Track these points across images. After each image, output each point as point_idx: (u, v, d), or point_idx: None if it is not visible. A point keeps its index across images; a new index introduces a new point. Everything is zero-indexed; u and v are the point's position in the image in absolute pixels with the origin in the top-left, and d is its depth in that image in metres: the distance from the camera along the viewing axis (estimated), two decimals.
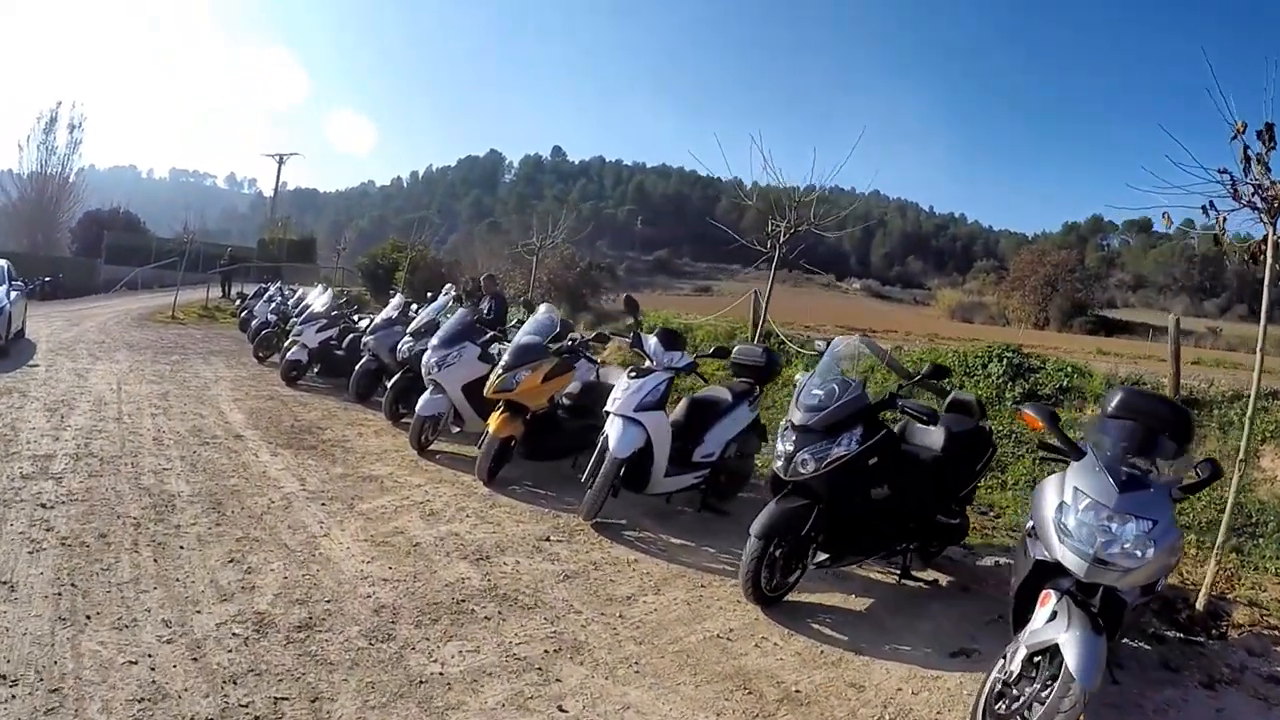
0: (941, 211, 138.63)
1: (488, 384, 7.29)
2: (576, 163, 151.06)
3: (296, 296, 16.47)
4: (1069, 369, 9.15)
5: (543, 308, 8.22)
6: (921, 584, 5.31)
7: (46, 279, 32.63)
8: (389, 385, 9.74)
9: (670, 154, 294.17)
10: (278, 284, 19.30)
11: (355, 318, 13.24)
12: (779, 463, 4.74)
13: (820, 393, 4.82)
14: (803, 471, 4.62)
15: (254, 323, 17.25)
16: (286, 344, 13.04)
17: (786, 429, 4.81)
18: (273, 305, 16.48)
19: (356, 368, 11.03)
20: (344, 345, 12.33)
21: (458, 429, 8.62)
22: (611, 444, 5.98)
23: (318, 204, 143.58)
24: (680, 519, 6.52)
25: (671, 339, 6.78)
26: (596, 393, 7.56)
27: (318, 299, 13.75)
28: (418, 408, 8.19)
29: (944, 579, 5.51)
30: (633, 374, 6.37)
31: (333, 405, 10.64)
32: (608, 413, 6.24)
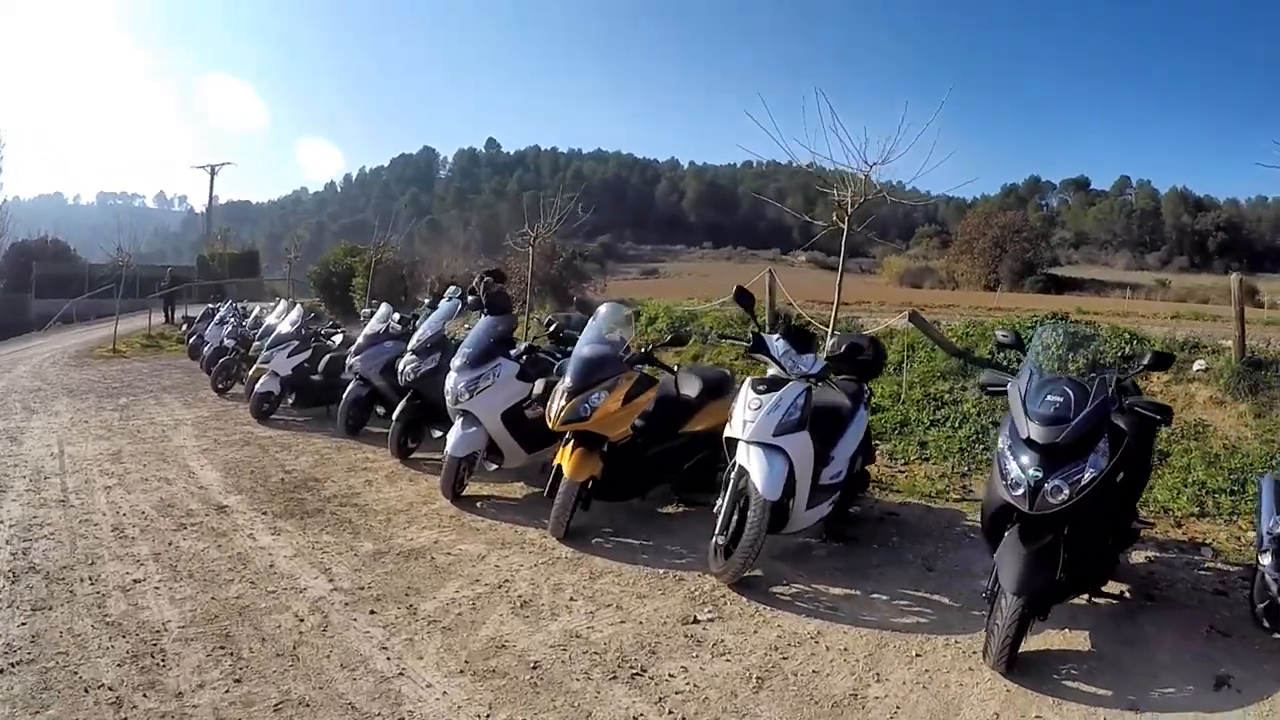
0: (880, 180, 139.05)
1: (553, 413, 5.78)
2: (512, 153, 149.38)
3: (253, 316, 14.56)
4: (1126, 336, 8.42)
5: (605, 306, 6.69)
6: (1110, 599, 4.66)
7: None
8: (394, 417, 8.12)
9: (605, 139, 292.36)
10: (228, 303, 17.34)
11: (329, 335, 11.46)
12: (1017, 492, 3.77)
13: (1057, 399, 3.89)
14: (1053, 501, 3.71)
15: (205, 349, 15.48)
16: (251, 373, 11.29)
17: (1013, 447, 3.89)
18: (227, 329, 14.61)
19: (345, 396, 9.37)
20: (320, 369, 10.59)
21: (495, 466, 7.04)
22: (759, 483, 4.70)
23: (252, 215, 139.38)
24: (813, 557, 5.40)
25: (802, 339, 5.39)
26: (665, 406, 6.22)
27: (284, 317, 11.94)
28: (449, 447, 6.64)
29: (1121, 588, 4.78)
30: (760, 387, 5.07)
31: (321, 444, 8.95)
32: (731, 439, 5.02)
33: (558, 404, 5.77)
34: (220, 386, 12.85)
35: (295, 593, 4.72)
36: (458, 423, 6.78)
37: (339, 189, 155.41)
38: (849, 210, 8.53)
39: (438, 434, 8.15)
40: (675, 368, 6.71)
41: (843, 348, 6.09)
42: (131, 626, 4.18)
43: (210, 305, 19.92)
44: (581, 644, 4.12)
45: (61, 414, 10.92)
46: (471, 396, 6.70)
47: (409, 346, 8.24)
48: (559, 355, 7.58)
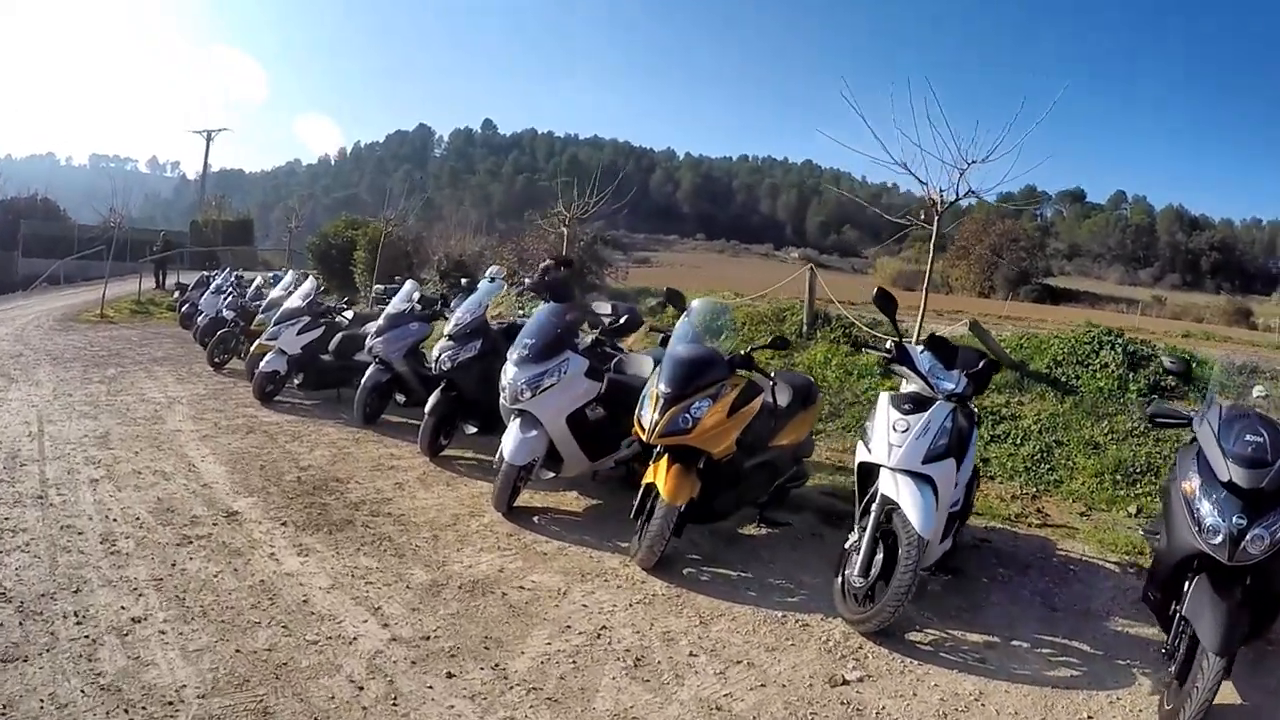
0: (874, 181, 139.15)
1: (646, 423, 4.93)
2: (508, 135, 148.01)
3: (254, 286, 13.44)
4: (1187, 357, 7.93)
5: (698, 302, 5.85)
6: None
7: None
8: (426, 410, 7.13)
9: (602, 126, 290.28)
10: (225, 271, 16.22)
11: (339, 312, 10.41)
12: (1215, 540, 3.41)
13: (1256, 438, 3.54)
14: (1254, 552, 3.38)
15: (200, 319, 14.45)
16: (253, 349, 10.24)
17: (1205, 490, 3.52)
18: (226, 299, 13.51)
19: (363, 382, 8.37)
20: (332, 349, 9.56)
21: (551, 475, 6.11)
22: (914, 519, 4.05)
23: (245, 185, 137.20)
24: (929, 594, 4.70)
25: (945, 352, 4.75)
26: (760, 416, 5.34)
27: (295, 290, 10.88)
28: (508, 454, 5.69)
29: None
30: (905, 406, 4.44)
31: (335, 434, 7.95)
32: (878, 465, 4.36)
33: (651, 414, 4.90)
34: (217, 361, 11.78)
35: (343, 644, 3.71)
36: (515, 425, 5.81)
37: (333, 162, 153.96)
38: (939, 209, 7.56)
39: (471, 430, 7.28)
40: (771, 373, 5.76)
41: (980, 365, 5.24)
42: (135, 694, 3.14)
43: (205, 273, 18.74)
44: (726, 719, 3.27)
45: (43, 384, 9.84)
46: (534, 395, 5.74)
47: (446, 331, 7.26)
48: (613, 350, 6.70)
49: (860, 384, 8.91)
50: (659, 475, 4.78)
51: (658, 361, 6.37)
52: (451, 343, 7.11)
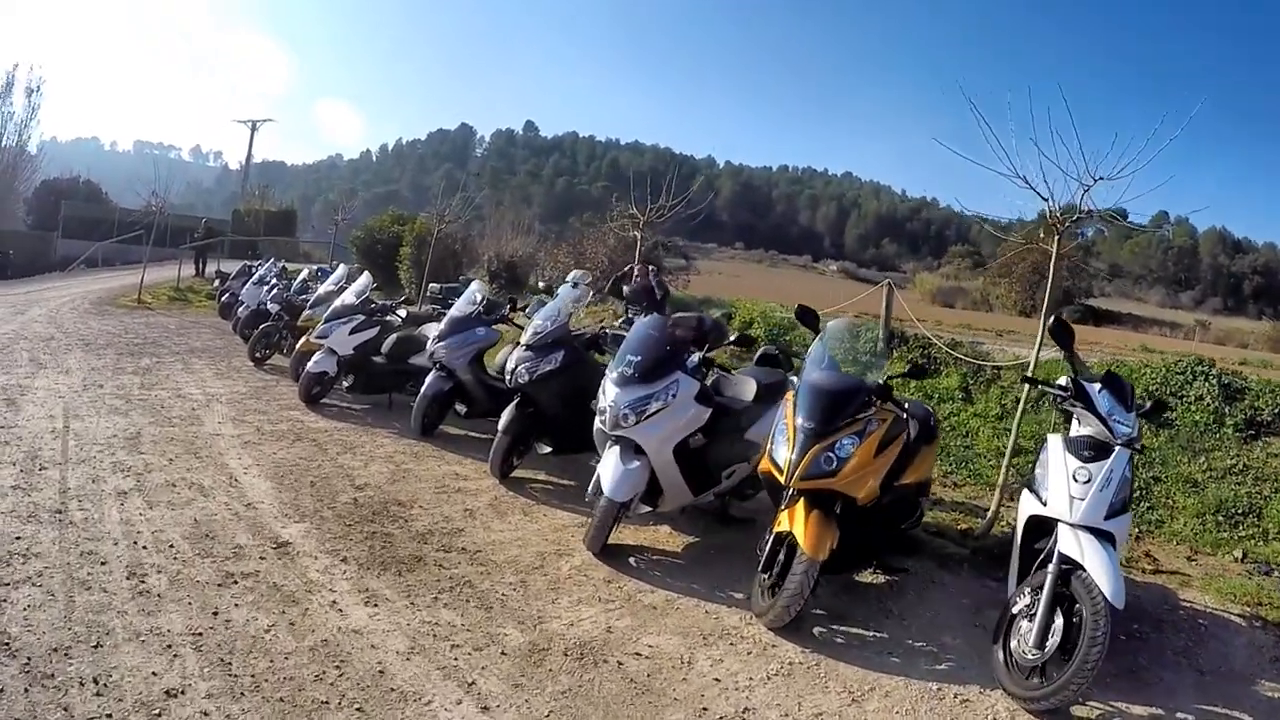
0: (914, 195, 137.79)
1: (781, 461, 4.26)
2: (549, 138, 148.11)
3: (300, 279, 12.67)
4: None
5: (835, 323, 5.10)
6: None
7: None
8: (500, 428, 6.35)
9: (644, 132, 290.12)
10: (270, 261, 15.52)
11: (391, 310, 9.60)
12: None
13: None
14: None
15: (240, 310, 13.73)
16: (299, 346, 9.47)
17: None
18: (271, 291, 12.76)
19: (423, 390, 7.61)
20: (385, 351, 8.75)
21: (648, 509, 5.28)
22: (1105, 586, 3.53)
23: (285, 177, 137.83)
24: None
25: (1120, 390, 4.30)
26: None
27: (340, 284, 10.12)
28: (607, 487, 4.87)
29: None
30: (1086, 453, 3.98)
31: (390, 446, 7.13)
32: (1053, 520, 3.91)
33: (788, 452, 4.20)
34: (258, 356, 11.02)
35: None
36: (614, 455, 4.97)
37: (374, 158, 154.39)
38: (1060, 228, 6.63)
39: (545, 450, 6.46)
40: (905, 403, 4.87)
41: (1147, 405, 4.76)
42: None
43: (247, 262, 18.07)
44: None
45: (73, 372, 9.11)
46: (639, 421, 4.90)
47: (523, 340, 6.44)
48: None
49: (940, 410, 8.20)
50: (796, 523, 4.10)
51: (759, 383, 5.57)
52: (530, 353, 6.31)
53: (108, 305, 17.43)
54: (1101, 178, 6.13)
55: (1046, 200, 6.42)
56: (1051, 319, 4.52)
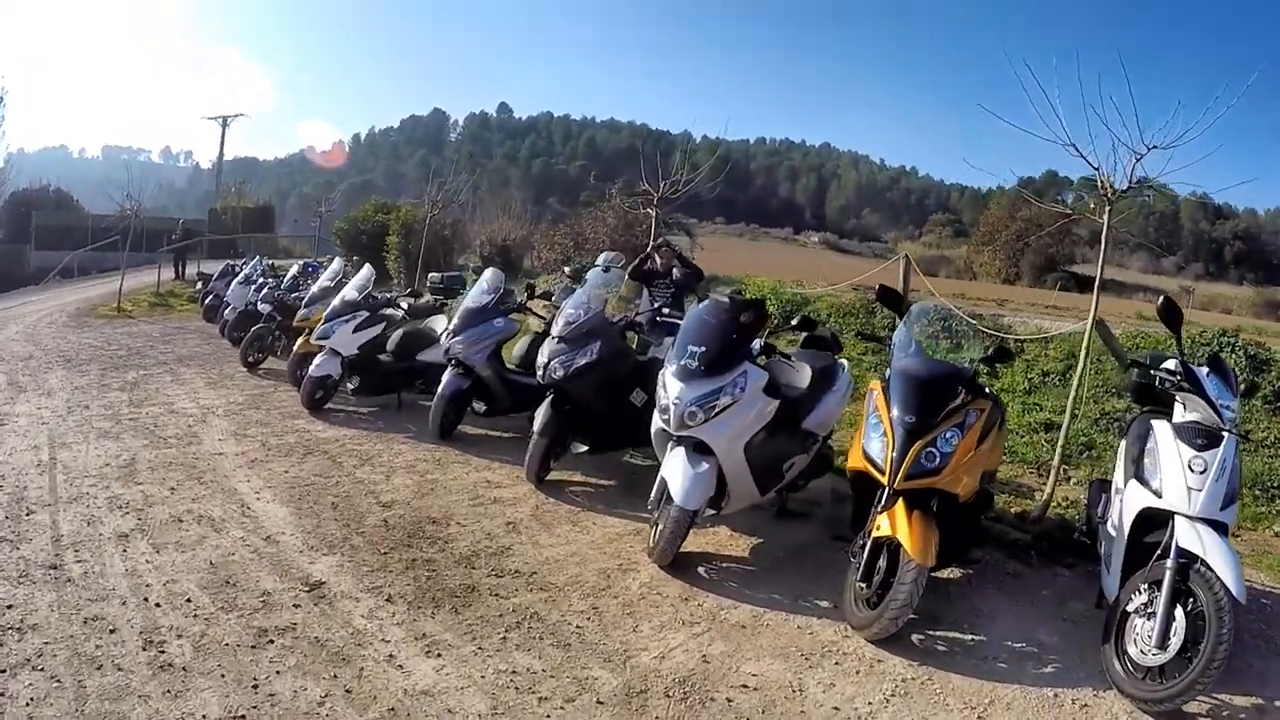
0: (892, 164, 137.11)
1: (878, 457, 3.90)
2: (524, 119, 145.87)
3: (289, 276, 11.90)
4: None
5: (919, 306, 4.72)
6: None
7: None
8: (535, 429, 5.79)
9: (618, 109, 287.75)
10: (255, 259, 14.77)
11: (399, 303, 8.95)
12: None
13: None
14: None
15: (227, 311, 13.03)
16: (296, 347, 8.84)
17: None
18: (259, 291, 12.06)
19: (441, 390, 7.00)
20: (391, 348, 8.13)
21: (713, 513, 4.74)
22: (1230, 581, 3.26)
23: (259, 173, 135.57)
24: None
25: (1225, 373, 4.08)
26: None
27: (345, 281, 9.46)
28: (678, 495, 4.30)
29: None
30: (1199, 441, 3.66)
31: (408, 451, 6.55)
32: (1158, 512, 3.64)
33: (887, 450, 3.83)
34: (251, 360, 10.33)
35: None
36: (679, 457, 4.42)
37: (347, 148, 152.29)
38: (1111, 198, 6.08)
39: (581, 449, 5.92)
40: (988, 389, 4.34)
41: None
42: None
43: (230, 261, 17.28)
44: None
45: (56, 393, 8.43)
46: (707, 419, 4.29)
47: (555, 332, 5.82)
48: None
49: None
50: (899, 528, 3.68)
51: (812, 369, 5.02)
52: (563, 346, 5.70)
53: (87, 317, 16.62)
54: (1155, 146, 5.65)
55: (1096, 169, 5.95)
56: (1161, 299, 4.11)
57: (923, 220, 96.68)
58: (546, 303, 7.55)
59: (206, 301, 15.97)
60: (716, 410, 4.35)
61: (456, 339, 7.00)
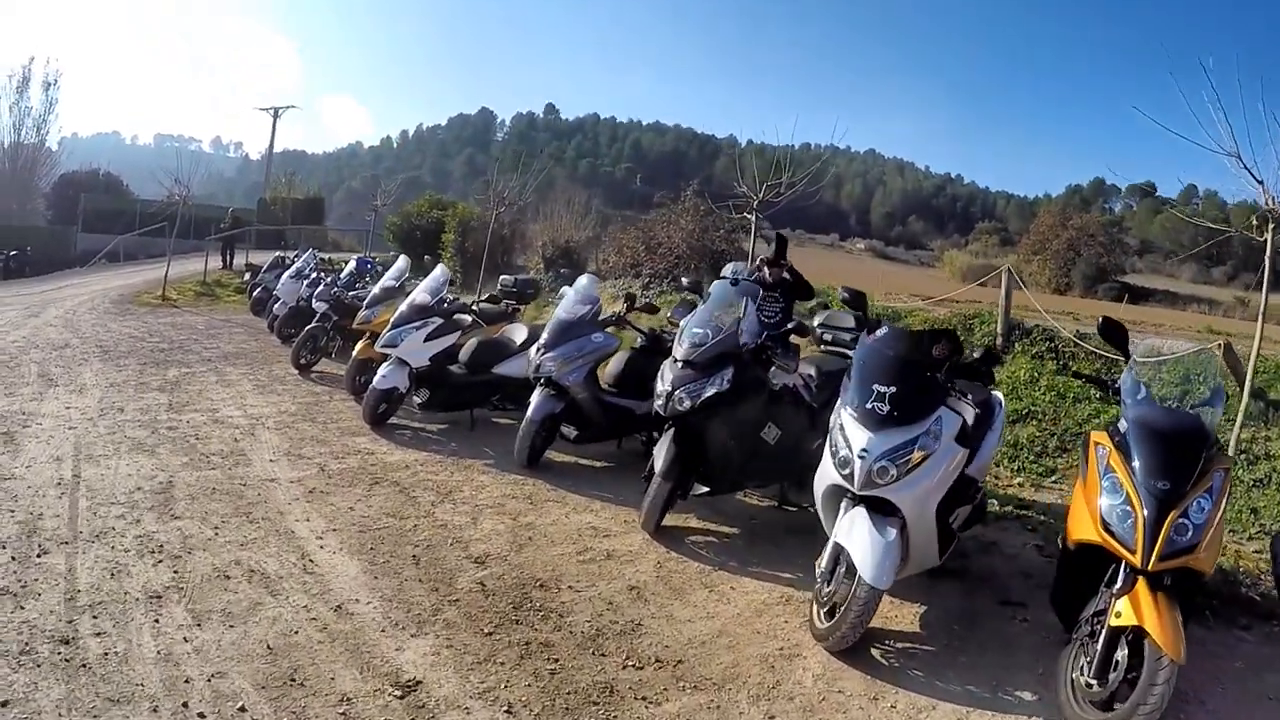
0: (938, 171, 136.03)
1: (1132, 542, 3.13)
2: (570, 120, 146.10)
3: (346, 271, 10.91)
4: None
5: (1147, 344, 3.83)
6: None
7: (12, 253, 27.30)
8: (656, 471, 4.80)
9: (664, 112, 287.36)
10: (309, 251, 13.92)
11: (470, 308, 8.00)
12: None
13: None
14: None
15: (277, 306, 12.19)
16: (355, 353, 7.93)
17: None
18: (314, 286, 11.18)
19: (530, 414, 6.07)
20: (465, 360, 7.17)
21: (706, 490, 4.37)
22: None
23: (307, 165, 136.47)
24: None
25: None
26: None
27: (401, 279, 8.54)
28: (868, 571, 3.42)
29: None
30: None
31: (493, 485, 5.58)
32: None
33: (1135, 521, 3.12)
34: (303, 362, 9.43)
35: None
36: (864, 523, 3.53)
37: (395, 145, 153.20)
38: (1275, 216, 5.29)
39: (701, 490, 5.01)
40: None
41: None
42: None
43: (280, 253, 16.44)
44: None
45: (88, 390, 7.54)
46: (900, 476, 3.46)
47: (679, 355, 4.80)
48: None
49: (1078, 410, 7.09)
50: (1147, 616, 2.99)
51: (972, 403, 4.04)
52: (689, 372, 4.68)
53: (129, 304, 15.85)
54: None
55: (1261, 183, 5.14)
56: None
57: (968, 228, 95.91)
58: (648, 315, 6.56)
59: (254, 294, 15.15)
60: (911, 466, 3.49)
61: (548, 355, 6.03)
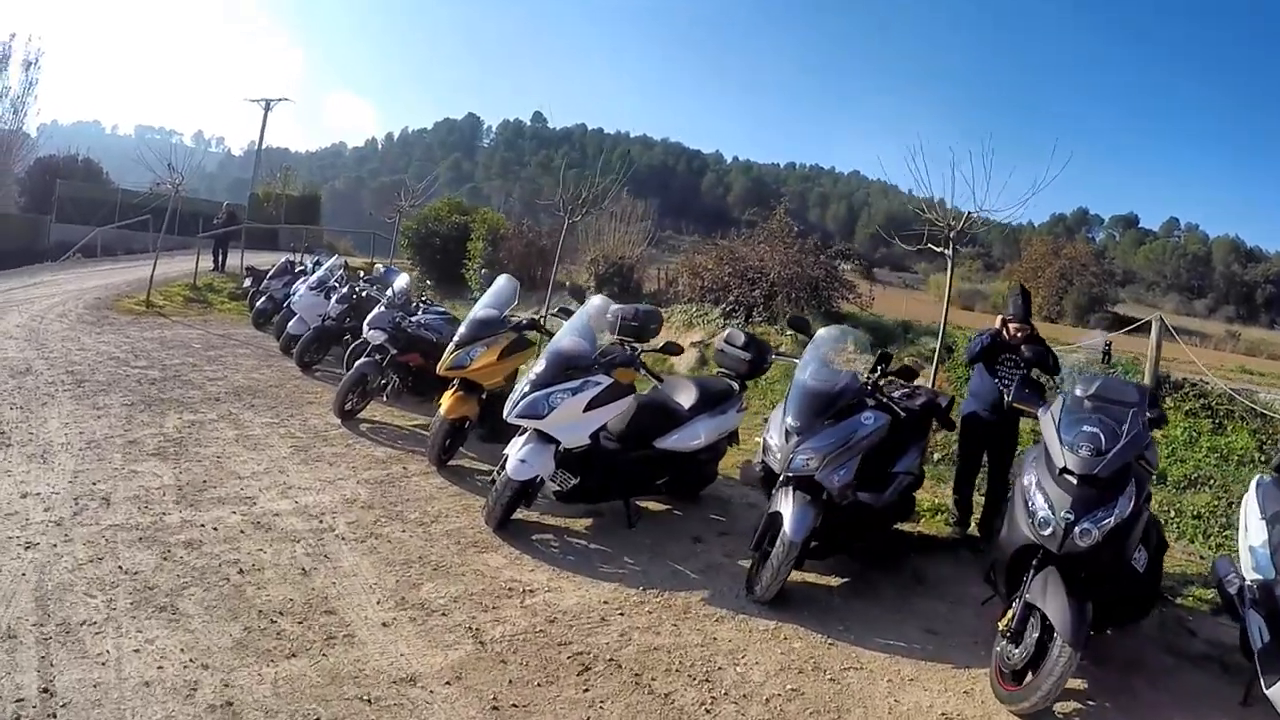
0: (921, 195, 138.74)
1: None
2: (557, 129, 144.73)
3: (397, 288, 8.28)
4: None
5: None
6: None
7: None
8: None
9: (651, 125, 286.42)
10: (334, 257, 11.53)
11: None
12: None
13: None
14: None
15: (292, 323, 10.14)
16: (445, 409, 5.62)
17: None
18: (344, 303, 8.83)
19: (789, 534, 3.92)
20: (616, 431, 4.84)
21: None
22: None
23: (291, 163, 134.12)
24: None
25: None
26: None
27: (484, 296, 6.27)
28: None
29: None
30: None
31: (750, 648, 3.27)
32: None
33: None
34: (348, 408, 7.01)
35: None
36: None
37: (379, 146, 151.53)
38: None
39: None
40: None
41: None
42: None
43: (289, 257, 13.88)
44: None
45: (54, 455, 5.15)
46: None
47: (1075, 467, 2.97)
48: None
49: (1242, 473, 6.60)
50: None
51: None
52: (1087, 491, 3.51)
53: (108, 310, 13.21)
54: None
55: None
56: None
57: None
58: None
59: (257, 304, 12.69)
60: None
61: (806, 447, 3.70)
